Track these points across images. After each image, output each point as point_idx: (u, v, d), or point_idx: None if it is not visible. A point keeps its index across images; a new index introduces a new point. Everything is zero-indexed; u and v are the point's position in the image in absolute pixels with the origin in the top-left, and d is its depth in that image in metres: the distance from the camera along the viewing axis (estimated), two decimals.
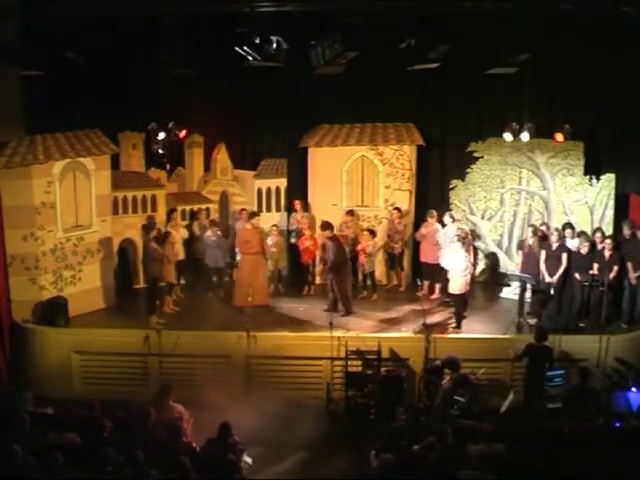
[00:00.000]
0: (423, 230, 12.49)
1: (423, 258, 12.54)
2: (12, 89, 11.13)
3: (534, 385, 9.56)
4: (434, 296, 12.43)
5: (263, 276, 11.98)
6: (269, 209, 13.74)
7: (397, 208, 12.78)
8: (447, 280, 11.35)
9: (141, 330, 10.75)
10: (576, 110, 12.16)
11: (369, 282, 12.59)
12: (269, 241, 12.53)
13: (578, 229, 12.00)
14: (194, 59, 10.24)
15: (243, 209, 12.91)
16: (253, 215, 12.09)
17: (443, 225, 12.28)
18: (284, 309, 11.99)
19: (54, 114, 11.51)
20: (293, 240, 13.09)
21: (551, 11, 9.53)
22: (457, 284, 11.06)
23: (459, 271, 11.03)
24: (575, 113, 12.12)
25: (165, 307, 11.87)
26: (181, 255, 12.36)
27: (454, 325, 11.16)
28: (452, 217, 12.27)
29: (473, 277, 11.51)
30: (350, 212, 12.90)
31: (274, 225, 12.93)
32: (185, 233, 12.67)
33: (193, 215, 13.21)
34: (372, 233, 12.51)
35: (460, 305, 11.19)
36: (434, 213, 12.43)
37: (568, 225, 11.85)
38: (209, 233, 12.50)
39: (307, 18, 9.62)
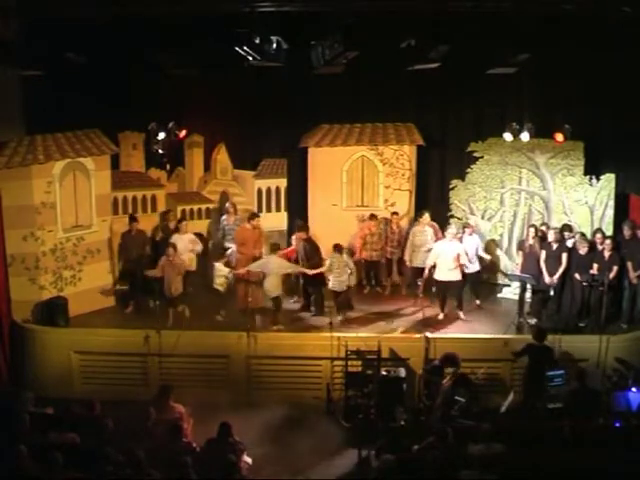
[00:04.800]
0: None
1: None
2: (12, 89, 11.13)
3: (534, 385, 9.54)
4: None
5: (260, 278, 11.93)
6: (269, 209, 13.75)
7: (395, 212, 12.61)
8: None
9: (141, 330, 10.74)
10: (576, 110, 12.14)
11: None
12: None
13: (577, 229, 12.00)
14: (194, 59, 10.25)
15: (232, 204, 12.72)
16: (253, 216, 12.03)
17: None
18: (284, 309, 11.96)
19: (54, 114, 11.50)
20: None
21: (551, 11, 9.54)
22: (452, 268, 11.27)
23: (449, 261, 11.25)
24: (575, 113, 12.11)
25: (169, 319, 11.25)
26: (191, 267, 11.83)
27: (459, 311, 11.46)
28: (428, 219, 12.24)
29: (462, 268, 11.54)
30: (373, 216, 12.49)
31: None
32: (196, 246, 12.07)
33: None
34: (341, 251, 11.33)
35: (460, 290, 11.45)
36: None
37: (565, 226, 11.86)
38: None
39: (307, 18, 9.63)
